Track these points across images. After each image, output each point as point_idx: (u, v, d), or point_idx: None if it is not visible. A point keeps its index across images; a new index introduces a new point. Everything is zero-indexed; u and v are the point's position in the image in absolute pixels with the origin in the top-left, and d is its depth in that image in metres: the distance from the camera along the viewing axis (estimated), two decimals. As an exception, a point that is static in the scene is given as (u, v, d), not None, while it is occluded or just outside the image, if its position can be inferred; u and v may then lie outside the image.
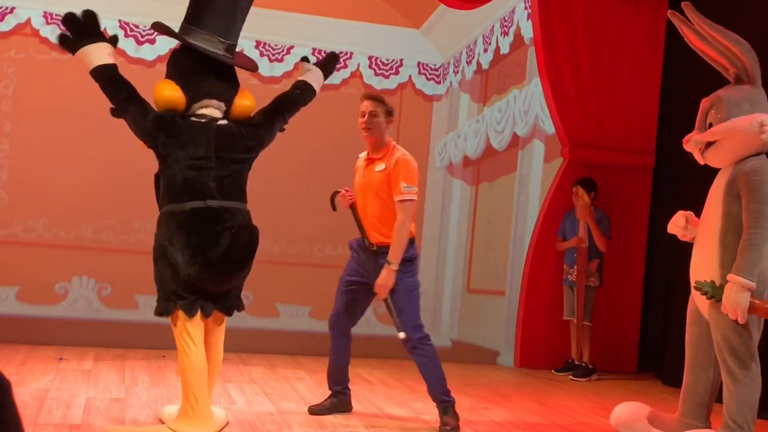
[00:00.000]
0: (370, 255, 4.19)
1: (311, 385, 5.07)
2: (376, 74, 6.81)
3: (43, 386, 4.42)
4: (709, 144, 3.78)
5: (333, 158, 6.63)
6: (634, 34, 6.57)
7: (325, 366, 5.85)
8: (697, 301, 3.82)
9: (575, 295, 6.17)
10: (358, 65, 6.75)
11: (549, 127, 6.77)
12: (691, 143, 3.87)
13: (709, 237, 3.72)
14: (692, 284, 3.81)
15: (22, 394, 4.18)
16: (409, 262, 4.18)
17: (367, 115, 4.21)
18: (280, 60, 6.55)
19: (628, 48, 6.57)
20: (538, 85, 6.77)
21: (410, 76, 6.91)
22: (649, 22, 6.61)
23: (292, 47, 6.56)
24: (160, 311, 3.45)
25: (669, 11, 4.00)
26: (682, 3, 3.90)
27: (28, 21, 6.03)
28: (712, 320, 3.70)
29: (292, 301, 6.48)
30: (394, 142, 4.29)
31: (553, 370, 6.31)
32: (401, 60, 6.88)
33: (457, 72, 7.42)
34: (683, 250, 6.23)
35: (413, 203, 4.13)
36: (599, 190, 6.28)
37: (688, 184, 6.37)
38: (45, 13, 6.07)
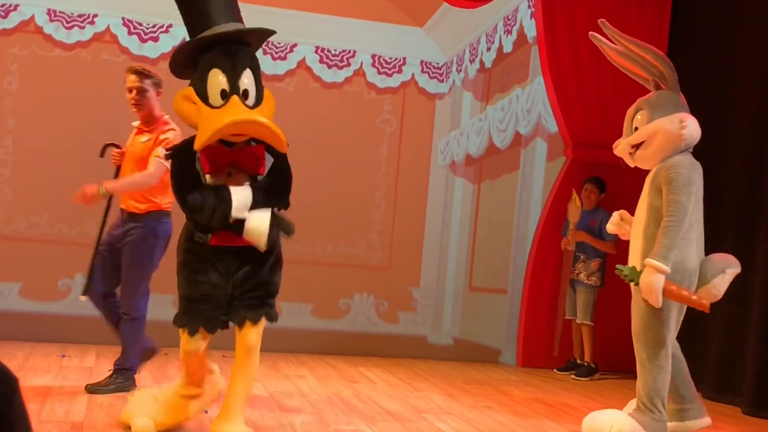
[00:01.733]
0: (119, 220, 4.33)
1: (313, 383, 5.08)
2: (379, 72, 6.81)
3: (45, 383, 4.43)
4: (636, 147, 4.02)
5: (335, 156, 6.63)
6: (637, 34, 6.54)
7: (328, 364, 5.87)
8: (635, 294, 4.02)
9: (567, 295, 6.20)
10: (361, 63, 6.74)
11: (552, 125, 6.77)
12: (621, 148, 4.08)
13: (637, 231, 3.96)
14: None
15: (24, 391, 4.18)
16: (155, 237, 4.26)
17: (134, 91, 4.27)
18: (284, 58, 6.54)
19: (631, 45, 6.55)
20: (541, 84, 6.77)
21: (413, 75, 6.90)
22: (652, 21, 6.60)
23: (295, 45, 6.55)
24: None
25: (590, 33, 4.31)
26: (599, 20, 4.25)
27: (32, 18, 6.02)
28: (633, 310, 3.93)
29: (295, 300, 6.48)
30: (167, 117, 4.31)
31: (555, 369, 6.31)
32: (404, 58, 6.87)
33: (460, 70, 7.42)
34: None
35: (165, 169, 4.14)
36: (606, 190, 6.30)
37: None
38: (49, 10, 6.07)
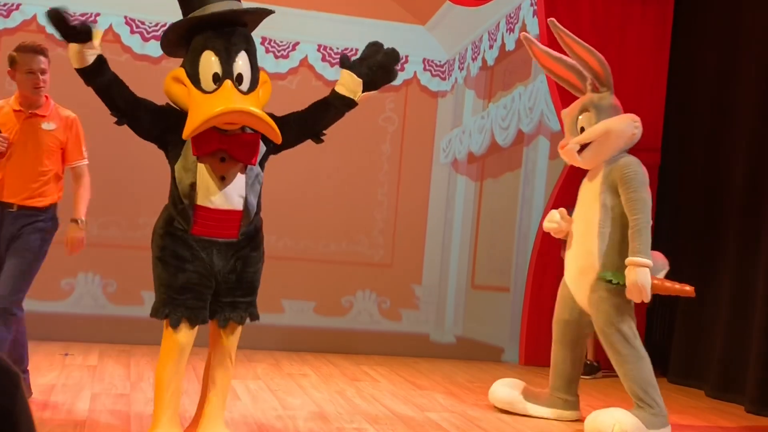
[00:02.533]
0: (8, 215, 3.90)
1: (316, 381, 5.08)
2: (382, 71, 6.80)
3: (48, 382, 4.43)
4: (583, 147, 4.08)
5: (337, 154, 6.63)
6: (640, 32, 6.55)
7: (330, 362, 5.87)
8: (575, 291, 4.16)
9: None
10: (364, 61, 6.74)
11: (554, 123, 6.77)
12: (570, 147, 4.12)
13: (588, 230, 4.03)
14: (565, 276, 4.21)
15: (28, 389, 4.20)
16: (54, 230, 4.05)
17: (45, 73, 3.96)
18: (286, 56, 6.54)
19: (634, 45, 6.55)
20: (544, 82, 6.76)
21: (415, 73, 6.90)
22: (655, 19, 6.59)
23: (297, 43, 6.55)
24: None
25: (522, 34, 4.43)
26: (548, 19, 4.28)
27: (34, 17, 6.02)
28: (594, 308, 4.01)
29: (297, 297, 6.48)
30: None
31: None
32: (406, 56, 6.86)
33: (463, 68, 7.41)
34: (689, 246, 6.23)
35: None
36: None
37: (693, 181, 6.36)
38: (51, 10, 6.07)
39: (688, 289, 3.92)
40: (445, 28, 7.20)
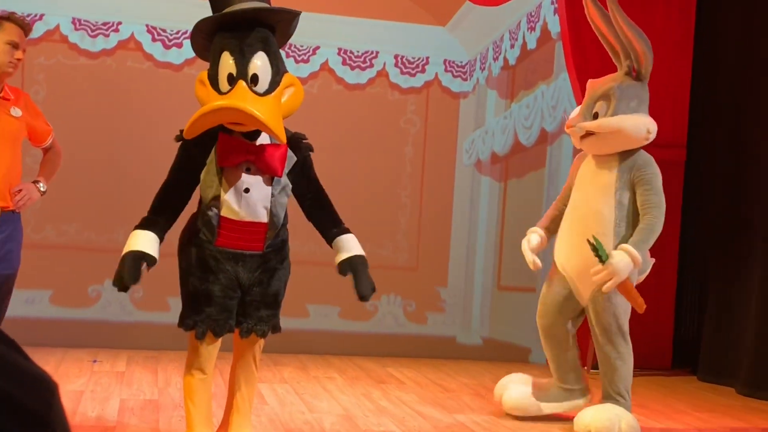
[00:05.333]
0: None
1: (342, 384, 5.07)
2: (402, 73, 6.79)
3: (77, 388, 4.46)
4: (589, 133, 3.88)
5: (359, 158, 6.63)
6: (663, 26, 6.49)
7: (356, 365, 5.86)
8: (579, 285, 3.99)
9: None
10: (384, 64, 6.73)
11: (578, 122, 6.72)
12: (575, 129, 3.90)
13: (599, 224, 3.84)
14: (558, 265, 4.08)
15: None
16: (21, 242, 3.61)
17: (24, 51, 3.53)
18: (306, 61, 6.55)
19: (657, 40, 6.46)
20: (566, 80, 6.71)
21: (436, 74, 6.88)
22: (678, 14, 6.52)
23: (317, 48, 6.56)
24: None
25: None
26: None
27: (57, 27, 6.08)
28: (601, 304, 3.89)
29: (322, 302, 6.48)
30: None
31: (586, 368, 6.24)
32: (427, 58, 6.85)
33: (484, 68, 7.38)
34: (717, 243, 6.16)
35: None
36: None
37: (720, 178, 6.28)
38: (74, 19, 6.13)
39: (641, 303, 3.83)
40: (466, 28, 7.18)
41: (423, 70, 6.86)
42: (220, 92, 2.96)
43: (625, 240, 3.83)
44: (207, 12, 3.29)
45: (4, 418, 0.67)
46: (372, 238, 6.66)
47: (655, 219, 3.79)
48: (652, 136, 3.94)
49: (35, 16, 6.07)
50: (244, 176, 3.03)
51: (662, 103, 6.57)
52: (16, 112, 3.52)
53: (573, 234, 3.98)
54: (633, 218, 3.88)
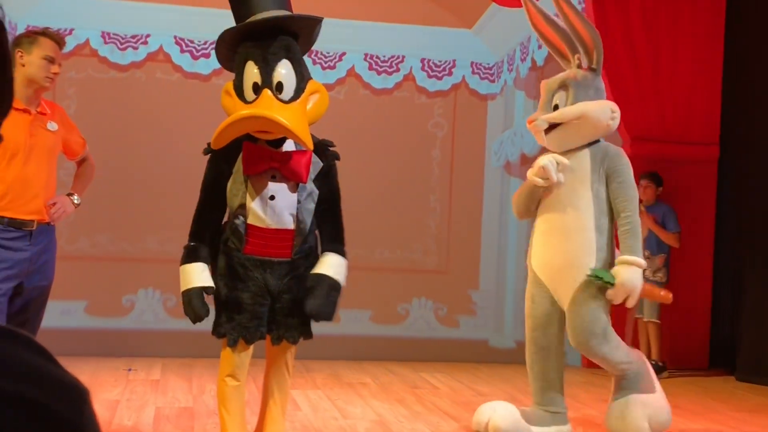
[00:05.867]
0: (27, 236, 3.39)
1: (375, 390, 5.07)
2: (429, 76, 6.78)
3: (113, 397, 4.50)
4: (552, 126, 3.70)
5: (388, 162, 6.63)
6: (693, 21, 6.42)
7: (389, 370, 5.85)
8: (559, 286, 3.72)
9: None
10: (411, 68, 6.73)
11: (607, 121, 6.66)
12: (538, 123, 3.73)
13: (576, 220, 3.65)
14: (536, 271, 3.79)
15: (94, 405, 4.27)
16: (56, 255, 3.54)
17: (60, 65, 3.52)
18: (333, 67, 6.57)
19: (687, 36, 6.41)
20: (595, 80, 6.65)
21: (464, 77, 6.86)
22: (708, 7, 6.44)
23: (344, 54, 6.58)
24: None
25: None
26: None
27: (87, 41, 6.16)
28: (582, 307, 3.64)
29: (353, 307, 6.48)
30: None
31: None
32: (454, 61, 6.83)
33: (512, 70, 7.35)
34: (753, 241, 6.07)
35: None
36: (663, 184, 6.18)
37: (754, 174, 6.19)
38: (103, 32, 6.21)
39: (666, 295, 3.75)
40: (492, 30, 7.15)
41: (450, 73, 6.84)
42: (245, 101, 2.98)
43: (609, 234, 3.67)
44: (232, 22, 3.32)
45: (35, 425, 0.68)
46: (402, 243, 6.66)
47: (634, 215, 3.64)
48: (617, 117, 3.72)
49: (65, 30, 6.15)
50: (270, 184, 3.04)
51: (693, 100, 6.51)
52: (53, 126, 3.55)
53: (550, 234, 3.73)
54: (610, 212, 3.69)
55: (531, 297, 3.86)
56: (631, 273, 3.56)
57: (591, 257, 3.64)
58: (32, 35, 3.46)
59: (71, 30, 6.02)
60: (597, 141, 3.76)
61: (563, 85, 3.73)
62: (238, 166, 3.04)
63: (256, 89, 2.97)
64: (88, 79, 6.16)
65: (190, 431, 3.80)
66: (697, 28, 6.43)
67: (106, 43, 6.21)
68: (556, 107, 3.73)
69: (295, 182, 3.07)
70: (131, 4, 6.22)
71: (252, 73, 2.98)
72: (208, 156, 3.13)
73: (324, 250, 3.19)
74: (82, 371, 5.12)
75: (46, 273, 3.51)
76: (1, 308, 3.32)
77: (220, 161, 3.08)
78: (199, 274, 3.07)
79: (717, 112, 6.51)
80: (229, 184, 3.06)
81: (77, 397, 0.75)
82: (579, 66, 3.79)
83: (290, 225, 3.08)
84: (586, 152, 3.71)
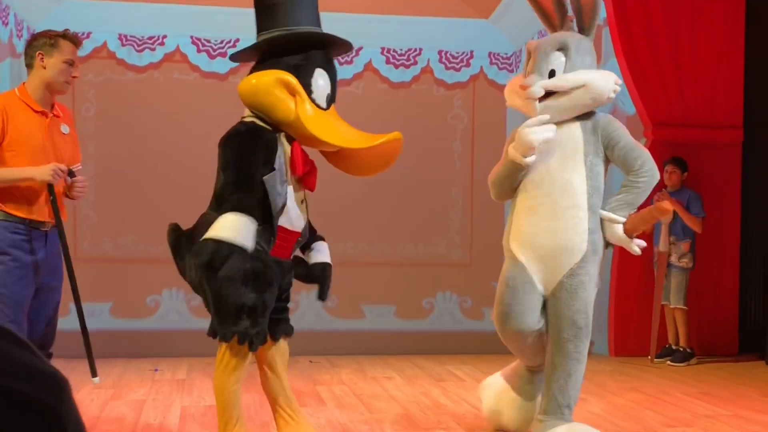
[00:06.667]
0: (32, 236, 3.41)
1: (401, 384, 5.05)
2: (447, 68, 6.74)
3: (140, 397, 4.53)
4: (548, 94, 3.30)
5: (408, 156, 6.57)
6: (712, 4, 6.32)
7: (415, 364, 5.84)
8: (548, 269, 3.33)
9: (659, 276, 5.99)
10: (428, 61, 6.68)
11: (629, 107, 6.58)
12: (534, 90, 3.29)
13: (570, 200, 3.28)
14: (516, 253, 3.42)
15: (120, 406, 4.30)
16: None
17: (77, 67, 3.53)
18: (350, 62, 6.54)
19: (707, 19, 6.32)
20: (615, 66, 6.57)
21: (482, 67, 6.80)
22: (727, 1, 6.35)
23: (361, 48, 6.55)
24: None
25: None
26: None
27: (105, 44, 6.19)
28: (571, 295, 3.28)
29: (377, 302, 6.46)
30: None
31: (649, 357, 6.12)
32: (471, 52, 6.78)
33: (530, 59, 7.32)
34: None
35: None
36: (688, 169, 6.11)
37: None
38: (120, 35, 6.23)
39: (659, 208, 3.33)
40: (509, 19, 7.08)
41: (468, 65, 6.79)
42: (319, 106, 3.07)
43: (595, 212, 3.34)
44: (248, 20, 3.30)
45: (16, 413, 0.69)
46: (425, 237, 6.62)
47: (655, 171, 3.32)
48: (619, 89, 3.37)
49: (83, 34, 6.17)
50: (299, 188, 3.12)
51: (715, 84, 6.42)
52: (66, 128, 3.56)
53: (539, 212, 3.33)
54: (602, 189, 3.38)
55: (506, 281, 3.43)
56: (617, 232, 3.31)
57: (582, 238, 3.29)
58: (53, 37, 3.44)
59: (89, 33, 6.04)
60: (591, 113, 3.40)
61: (563, 47, 3.32)
62: (280, 164, 3.01)
63: (328, 101, 3.11)
64: (107, 81, 6.19)
65: (216, 430, 3.80)
66: (717, 10, 6.33)
67: (123, 45, 6.23)
68: (552, 73, 3.33)
69: (306, 188, 3.17)
70: (147, 6, 6.24)
71: (325, 83, 3.09)
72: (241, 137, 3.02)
73: (315, 239, 3.29)
74: (108, 373, 5.16)
75: (60, 275, 3.55)
76: (22, 327, 3.33)
77: (265, 153, 3.00)
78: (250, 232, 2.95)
79: (740, 95, 6.41)
80: (271, 181, 2.99)
81: (57, 386, 0.76)
82: (571, 29, 3.45)
83: (300, 228, 3.16)
84: (577, 124, 3.34)
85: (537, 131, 3.28)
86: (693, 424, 4.01)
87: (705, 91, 6.38)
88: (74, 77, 3.50)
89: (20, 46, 5.75)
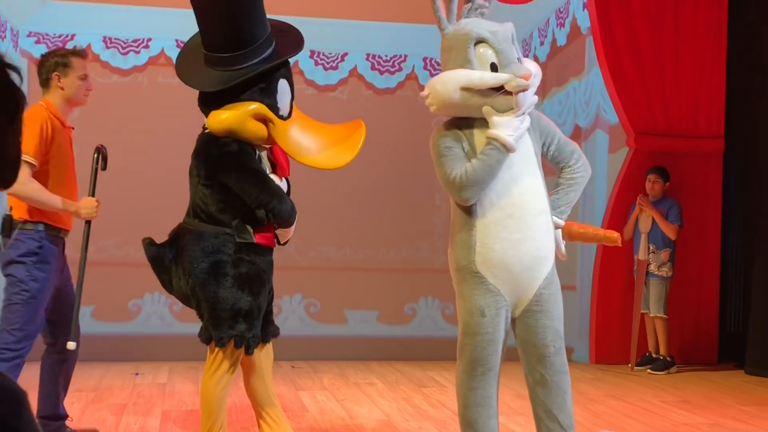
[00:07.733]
0: (54, 243, 3.64)
1: (383, 389, 5.05)
2: (432, 74, 6.76)
3: (120, 401, 4.51)
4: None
5: (391, 162, 6.61)
6: (695, 15, 6.39)
7: (396, 370, 5.84)
8: (519, 283, 2.98)
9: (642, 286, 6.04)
10: (413, 67, 6.71)
11: (612, 116, 6.63)
12: (532, 81, 2.95)
13: (540, 205, 2.96)
14: (484, 273, 2.97)
15: (100, 410, 4.28)
16: (32, 254, 3.55)
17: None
18: (335, 68, 6.56)
19: (690, 30, 6.38)
20: (599, 75, 6.63)
21: (466, 75, 6.84)
22: (710, 3, 6.41)
23: (346, 54, 6.57)
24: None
25: None
26: None
27: (89, 47, 6.16)
28: (549, 305, 3.01)
29: (360, 307, 6.47)
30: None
31: (629, 365, 6.15)
32: (456, 59, 6.82)
33: (514, 67, 7.36)
34: (761, 234, 6.03)
35: None
36: (670, 178, 6.17)
37: (761, 167, 6.16)
38: (104, 37, 6.21)
39: (609, 236, 3.12)
40: (494, 27, 7.13)
41: (452, 72, 6.81)
42: (283, 118, 3.15)
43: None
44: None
45: None
46: (408, 242, 6.64)
47: (587, 164, 3.09)
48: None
49: (67, 36, 6.17)
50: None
51: (697, 94, 6.47)
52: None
53: (509, 225, 2.94)
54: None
55: (478, 309, 2.99)
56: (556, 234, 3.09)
57: (553, 244, 3.05)
58: (64, 57, 3.64)
59: (72, 36, 6.03)
60: None
61: (511, 35, 3.02)
62: (265, 166, 3.20)
63: (290, 108, 3.20)
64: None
65: (197, 434, 3.80)
66: (700, 20, 6.40)
67: (107, 47, 6.21)
68: (521, 61, 3.02)
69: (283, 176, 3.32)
70: (132, 9, 6.23)
71: (287, 91, 3.17)
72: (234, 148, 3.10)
73: None
74: (90, 376, 5.13)
75: (69, 276, 3.81)
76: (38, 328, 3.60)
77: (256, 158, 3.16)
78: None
79: (722, 105, 6.48)
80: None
81: (15, 401, 0.75)
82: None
83: None
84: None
85: (513, 120, 2.94)
86: None
87: (687, 100, 6.44)
88: (89, 90, 3.73)
89: (3, 46, 5.72)
